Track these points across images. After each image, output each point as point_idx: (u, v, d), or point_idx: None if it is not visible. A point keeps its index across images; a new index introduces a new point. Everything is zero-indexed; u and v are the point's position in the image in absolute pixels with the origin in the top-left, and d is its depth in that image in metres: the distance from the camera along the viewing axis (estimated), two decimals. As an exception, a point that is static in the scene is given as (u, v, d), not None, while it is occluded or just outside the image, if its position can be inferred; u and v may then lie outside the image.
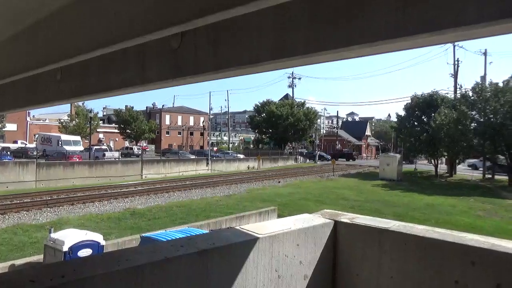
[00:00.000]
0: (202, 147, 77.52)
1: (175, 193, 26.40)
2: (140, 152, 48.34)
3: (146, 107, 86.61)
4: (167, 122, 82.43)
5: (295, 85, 73.75)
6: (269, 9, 1.60)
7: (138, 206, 21.33)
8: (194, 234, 8.78)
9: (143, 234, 10.93)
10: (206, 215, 19.10)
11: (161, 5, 1.73)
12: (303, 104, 69.33)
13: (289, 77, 72.26)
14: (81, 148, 45.55)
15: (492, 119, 35.58)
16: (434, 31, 1.24)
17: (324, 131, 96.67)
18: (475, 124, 38.29)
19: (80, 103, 53.81)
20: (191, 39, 1.96)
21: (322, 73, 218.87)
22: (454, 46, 48.60)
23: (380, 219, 2.63)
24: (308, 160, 65.74)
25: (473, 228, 18.19)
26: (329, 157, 69.14)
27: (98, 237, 10.11)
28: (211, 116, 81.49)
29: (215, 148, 70.42)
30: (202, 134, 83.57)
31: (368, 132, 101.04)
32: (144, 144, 68.55)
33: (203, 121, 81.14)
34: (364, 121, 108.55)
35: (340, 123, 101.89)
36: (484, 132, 35.79)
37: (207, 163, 45.19)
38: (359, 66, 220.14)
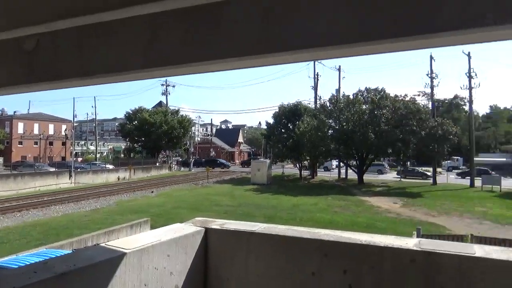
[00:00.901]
0: (64, 158, 69.99)
1: (30, 211, 23.33)
2: (-17, 166, 41.19)
3: (-7, 114, 74.43)
4: (20, 131, 72.16)
5: (169, 93, 72.41)
6: (140, 17, 1.56)
7: (-19, 230, 18.14)
8: (53, 256, 7.86)
9: (-12, 262, 9.33)
10: (69, 233, 17.32)
11: (14, 3, 1.54)
12: (177, 112, 68.55)
13: (162, 85, 70.65)
14: None
15: (345, 127, 40.97)
16: (293, 50, 1.40)
17: (199, 139, 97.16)
18: (332, 131, 43.55)
19: None
20: (51, 41, 1.79)
21: (197, 82, 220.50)
22: (314, 62, 54.23)
23: (248, 223, 2.77)
24: (182, 168, 65.09)
25: (331, 223, 20.50)
26: (229, 164, 71.13)
27: None
28: (75, 124, 74.31)
29: (80, 159, 64.42)
30: (64, 143, 75.47)
31: (240, 139, 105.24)
32: (-11, 157, 58.59)
33: (66, 130, 73.39)
34: (237, 129, 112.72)
35: (214, 130, 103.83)
36: (339, 138, 41.01)
37: (70, 176, 41.31)
38: (234, 76, 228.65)
